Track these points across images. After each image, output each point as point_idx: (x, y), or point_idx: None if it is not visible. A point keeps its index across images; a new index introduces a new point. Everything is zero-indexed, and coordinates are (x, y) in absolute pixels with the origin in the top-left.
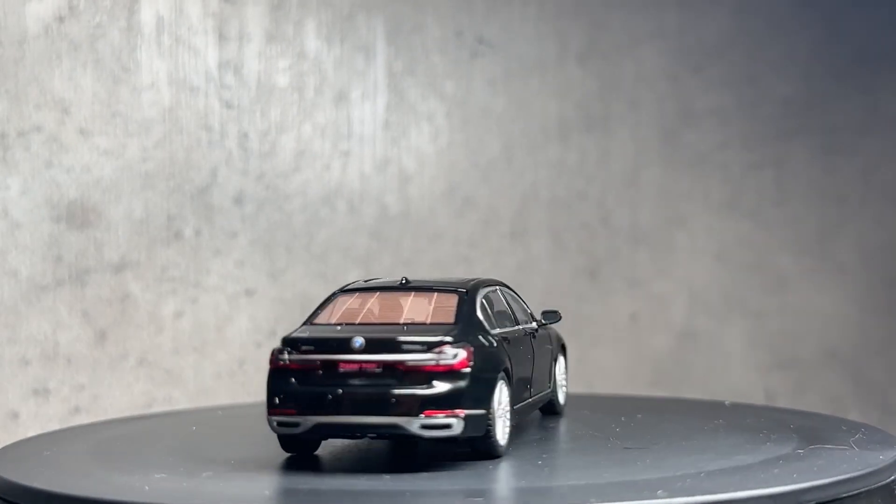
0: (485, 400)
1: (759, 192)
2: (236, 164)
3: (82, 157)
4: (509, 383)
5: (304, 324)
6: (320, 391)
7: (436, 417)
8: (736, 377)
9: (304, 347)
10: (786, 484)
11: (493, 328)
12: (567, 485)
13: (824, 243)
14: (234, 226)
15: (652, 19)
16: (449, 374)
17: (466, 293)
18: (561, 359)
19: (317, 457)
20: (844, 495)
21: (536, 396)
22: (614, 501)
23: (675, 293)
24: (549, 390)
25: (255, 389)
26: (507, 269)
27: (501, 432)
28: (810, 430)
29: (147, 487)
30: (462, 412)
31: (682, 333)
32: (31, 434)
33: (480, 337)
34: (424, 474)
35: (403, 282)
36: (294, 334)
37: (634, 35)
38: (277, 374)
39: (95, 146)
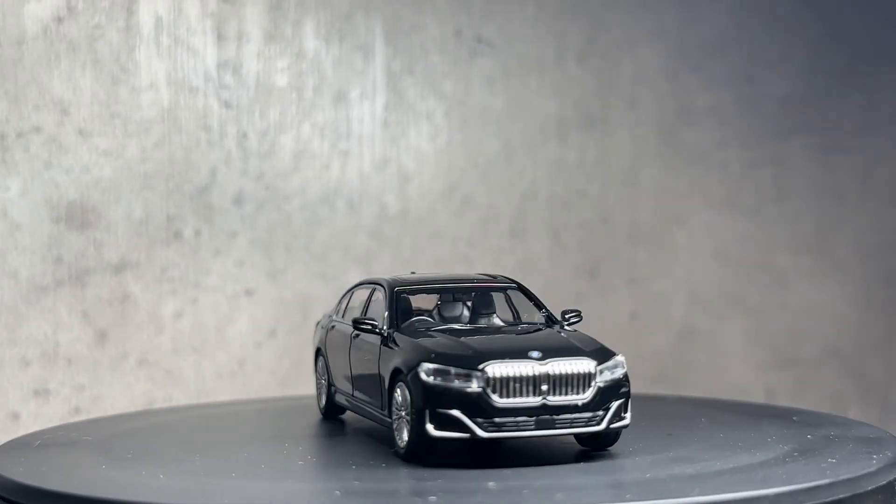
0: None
1: (759, 190)
2: (235, 164)
3: (81, 157)
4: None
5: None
6: None
7: None
8: (736, 375)
9: None
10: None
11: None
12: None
13: (824, 241)
14: (234, 226)
15: (651, 18)
16: None
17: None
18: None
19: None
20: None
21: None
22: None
23: (675, 291)
24: (379, 412)
25: (255, 389)
26: (506, 267)
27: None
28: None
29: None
30: None
31: (681, 332)
32: None
33: None
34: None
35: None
36: None
37: (633, 34)
38: None
39: (95, 147)
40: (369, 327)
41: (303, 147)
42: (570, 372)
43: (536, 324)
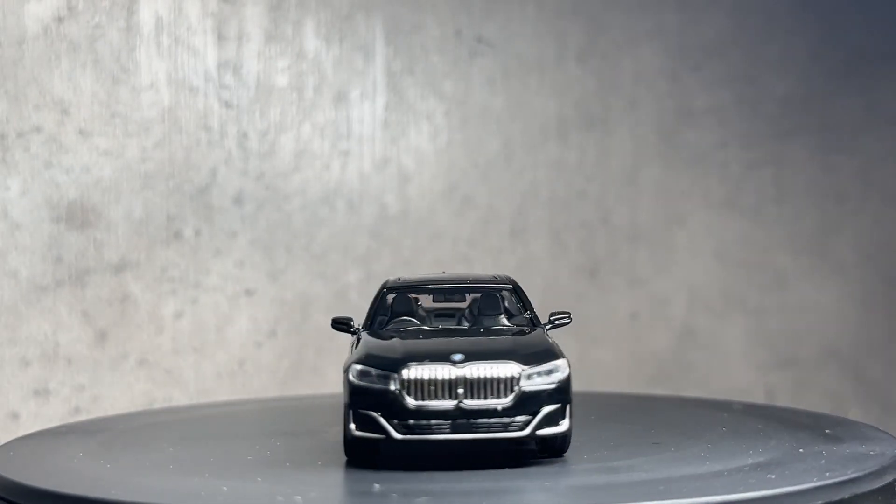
0: None
1: (759, 190)
2: (236, 164)
3: (82, 157)
4: None
5: None
6: None
7: None
8: (736, 376)
9: None
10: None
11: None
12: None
13: (824, 241)
14: (234, 226)
15: (650, 18)
16: None
17: None
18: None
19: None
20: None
21: None
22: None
23: (675, 292)
24: None
25: (255, 390)
26: (506, 267)
27: None
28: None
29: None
30: None
31: (681, 332)
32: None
33: None
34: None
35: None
36: None
37: (633, 34)
38: None
39: (95, 147)
40: (344, 326)
41: (303, 147)
42: (488, 376)
43: (515, 325)
